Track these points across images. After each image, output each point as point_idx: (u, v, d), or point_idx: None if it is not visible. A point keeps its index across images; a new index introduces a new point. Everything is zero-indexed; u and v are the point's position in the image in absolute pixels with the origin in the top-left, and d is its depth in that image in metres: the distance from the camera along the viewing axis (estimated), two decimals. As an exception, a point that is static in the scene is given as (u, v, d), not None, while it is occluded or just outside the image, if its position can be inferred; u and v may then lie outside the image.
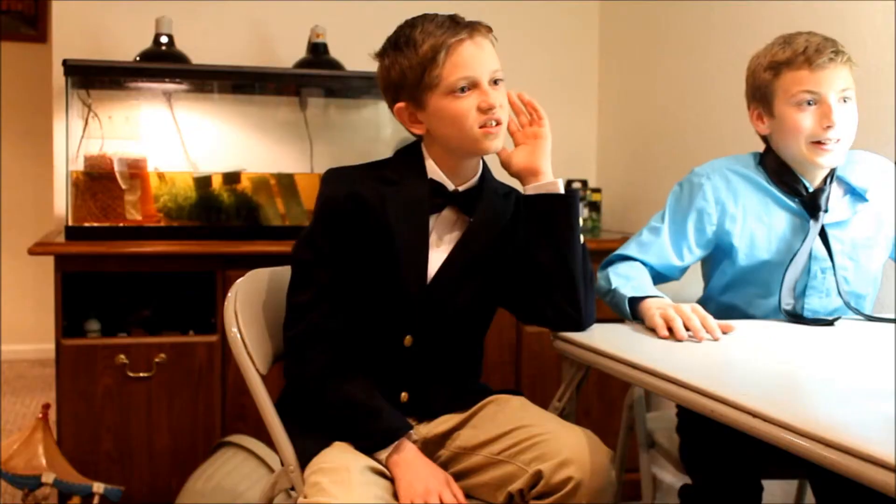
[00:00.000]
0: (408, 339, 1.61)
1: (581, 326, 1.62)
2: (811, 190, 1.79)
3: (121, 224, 2.66)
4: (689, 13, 2.89)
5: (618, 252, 1.86)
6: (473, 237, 1.62)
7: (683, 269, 1.87)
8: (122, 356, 2.49)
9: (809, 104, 1.73)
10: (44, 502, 2.38)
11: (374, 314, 1.60)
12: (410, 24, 1.56)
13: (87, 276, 2.61)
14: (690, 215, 1.82)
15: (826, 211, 1.78)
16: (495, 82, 1.56)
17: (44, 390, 4.11)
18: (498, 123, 1.55)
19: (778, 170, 1.81)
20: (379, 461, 1.49)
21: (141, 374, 2.51)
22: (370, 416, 1.52)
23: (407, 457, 1.49)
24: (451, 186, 1.61)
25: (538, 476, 1.46)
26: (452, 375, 1.67)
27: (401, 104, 1.59)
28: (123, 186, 2.70)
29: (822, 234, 1.78)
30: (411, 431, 1.54)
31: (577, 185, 3.17)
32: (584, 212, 3.15)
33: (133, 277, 2.71)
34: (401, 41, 1.55)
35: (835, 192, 1.81)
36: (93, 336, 2.59)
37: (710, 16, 2.79)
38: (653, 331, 1.60)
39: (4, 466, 2.38)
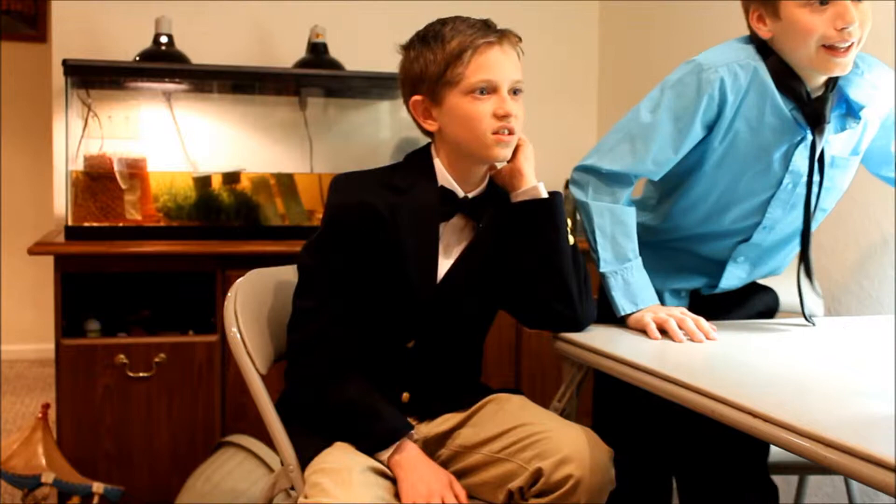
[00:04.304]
0: (410, 342, 1.61)
1: (579, 325, 1.62)
2: (812, 98, 1.63)
3: (120, 224, 2.66)
4: (689, 13, 2.89)
5: (609, 167, 1.67)
6: (481, 244, 1.62)
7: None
8: (122, 356, 2.49)
9: (822, 3, 1.54)
10: (43, 502, 2.38)
11: (380, 319, 1.60)
12: (442, 22, 1.56)
13: (87, 276, 2.61)
14: (697, 115, 1.64)
15: (829, 122, 1.62)
16: (514, 92, 1.56)
17: (44, 390, 4.11)
18: (510, 133, 1.55)
19: (780, 71, 1.63)
20: (381, 461, 1.49)
21: (141, 374, 2.51)
22: (371, 416, 1.52)
23: (409, 457, 1.49)
24: (460, 193, 1.60)
25: (538, 474, 1.46)
26: (453, 376, 1.67)
27: (417, 97, 1.58)
28: (123, 186, 2.70)
29: (811, 147, 1.63)
30: (412, 431, 1.54)
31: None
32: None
33: (133, 277, 2.71)
34: (429, 35, 1.55)
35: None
36: (93, 336, 2.59)
37: (710, 16, 2.79)
38: (643, 332, 1.60)
39: (4, 466, 2.38)
